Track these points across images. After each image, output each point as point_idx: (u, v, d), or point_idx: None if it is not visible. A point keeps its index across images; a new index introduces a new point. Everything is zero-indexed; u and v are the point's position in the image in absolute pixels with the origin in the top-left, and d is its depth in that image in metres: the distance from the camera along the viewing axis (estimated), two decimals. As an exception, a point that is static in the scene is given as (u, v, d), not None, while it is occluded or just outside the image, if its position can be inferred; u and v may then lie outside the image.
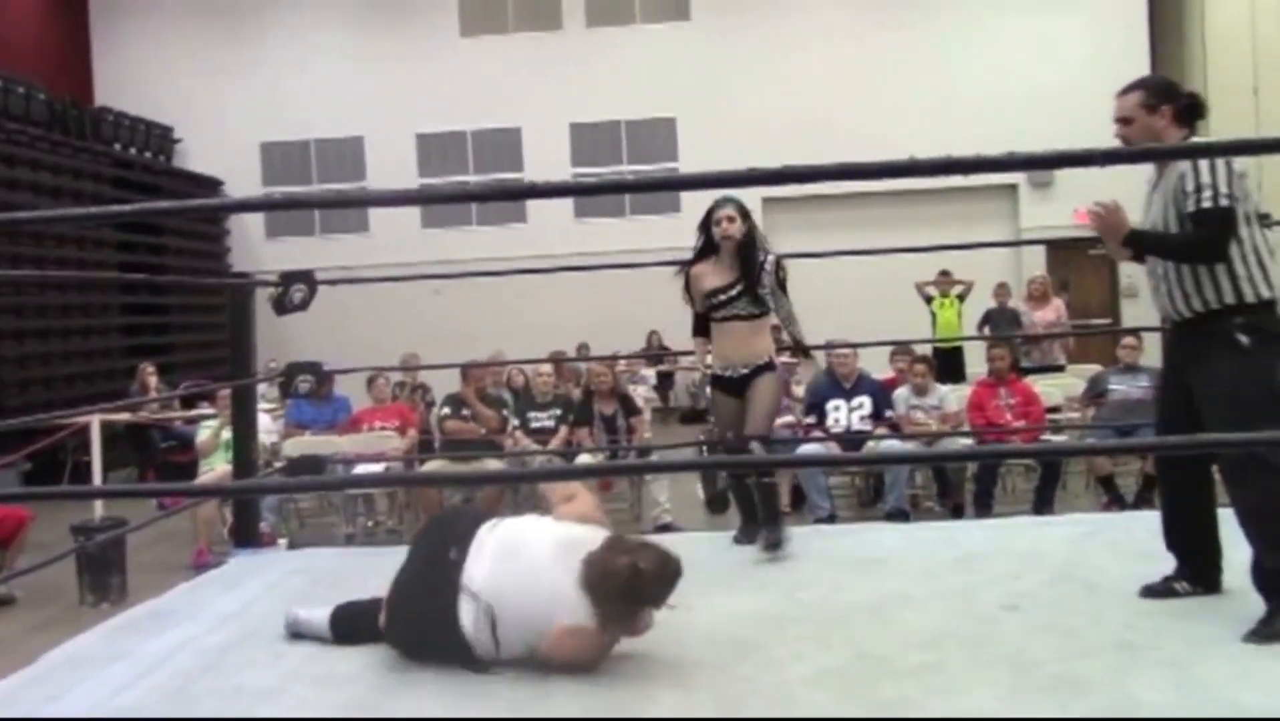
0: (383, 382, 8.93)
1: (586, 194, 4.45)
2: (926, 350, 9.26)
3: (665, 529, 7.57)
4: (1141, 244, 3.60)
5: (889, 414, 8.07)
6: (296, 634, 3.80)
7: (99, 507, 7.18)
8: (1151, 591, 3.84)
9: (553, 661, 3.35)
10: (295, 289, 5.03)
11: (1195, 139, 3.70)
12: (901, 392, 8.27)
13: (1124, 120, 3.67)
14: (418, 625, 3.47)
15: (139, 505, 8.01)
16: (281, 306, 5.06)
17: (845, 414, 8.04)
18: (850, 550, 4.87)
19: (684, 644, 3.72)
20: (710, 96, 17.13)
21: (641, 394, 10.45)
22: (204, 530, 7.76)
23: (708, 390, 5.47)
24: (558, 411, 8.42)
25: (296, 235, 17.47)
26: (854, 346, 8.21)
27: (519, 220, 16.72)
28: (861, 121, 16.49)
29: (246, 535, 5.45)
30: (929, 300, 12.70)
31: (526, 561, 3.42)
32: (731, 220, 4.95)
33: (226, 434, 7.64)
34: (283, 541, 7.35)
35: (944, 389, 8.44)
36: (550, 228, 16.03)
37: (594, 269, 9.95)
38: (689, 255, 5.14)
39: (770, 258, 5.02)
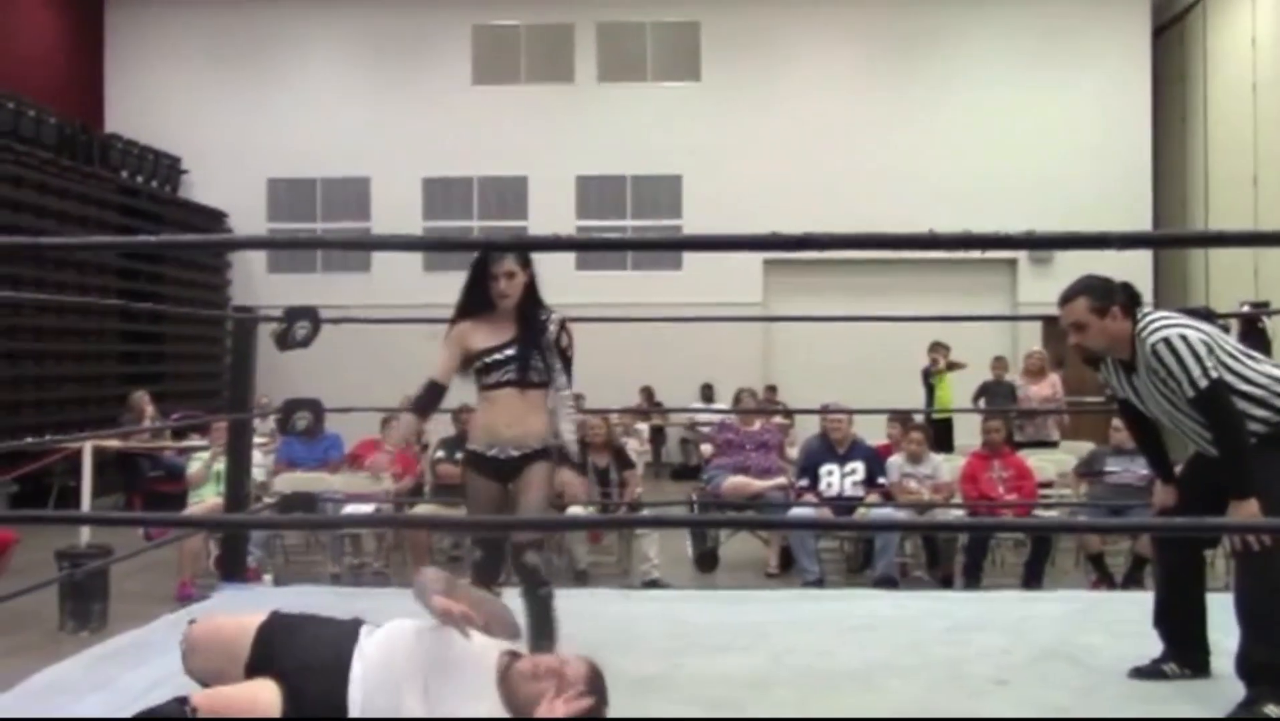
0: (396, 424, 8.97)
1: (593, 249, 4.41)
2: (922, 419, 9.26)
3: (653, 584, 7.54)
4: (1247, 487, 3.45)
5: (882, 480, 8.06)
6: None
7: (85, 534, 7.13)
8: (1140, 673, 3.83)
9: None
10: (299, 325, 5.05)
11: (1141, 324, 3.64)
12: (895, 460, 8.27)
13: (1078, 326, 3.70)
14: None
15: (125, 533, 7.96)
16: (284, 342, 5.08)
17: (838, 478, 8.03)
18: (839, 616, 4.86)
19: (669, 701, 3.71)
20: (716, 156, 17.26)
21: (634, 447, 10.43)
22: (189, 562, 7.71)
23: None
24: (551, 461, 8.39)
25: (298, 271, 17.50)
26: (848, 412, 8.23)
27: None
28: (865, 187, 16.64)
29: (233, 569, 5.43)
30: (929, 375, 12.71)
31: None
32: (511, 276, 4.03)
33: (217, 466, 7.63)
34: (268, 577, 7.30)
35: (938, 458, 8.44)
36: (553, 277, 15.91)
37: (590, 320, 9.95)
38: (688, 311, 4.81)
39: (554, 317, 4.14)
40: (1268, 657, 3.41)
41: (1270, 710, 3.35)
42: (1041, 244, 1.59)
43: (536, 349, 4.04)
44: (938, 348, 12.68)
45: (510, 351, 4.02)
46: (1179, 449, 3.91)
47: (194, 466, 8.21)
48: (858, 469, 8.07)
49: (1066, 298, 3.71)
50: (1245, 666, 3.48)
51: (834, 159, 17.12)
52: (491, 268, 4.02)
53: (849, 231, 2.01)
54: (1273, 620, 3.41)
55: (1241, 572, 3.51)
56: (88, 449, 7.28)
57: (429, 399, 4.09)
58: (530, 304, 4.10)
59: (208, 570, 7.62)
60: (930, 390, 12.68)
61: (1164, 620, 3.89)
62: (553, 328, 4.09)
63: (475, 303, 4.10)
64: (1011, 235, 1.55)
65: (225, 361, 16.97)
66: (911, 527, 7.24)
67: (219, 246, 17.25)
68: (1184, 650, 3.84)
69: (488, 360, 4.04)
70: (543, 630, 3.95)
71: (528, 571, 3.94)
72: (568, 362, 4.13)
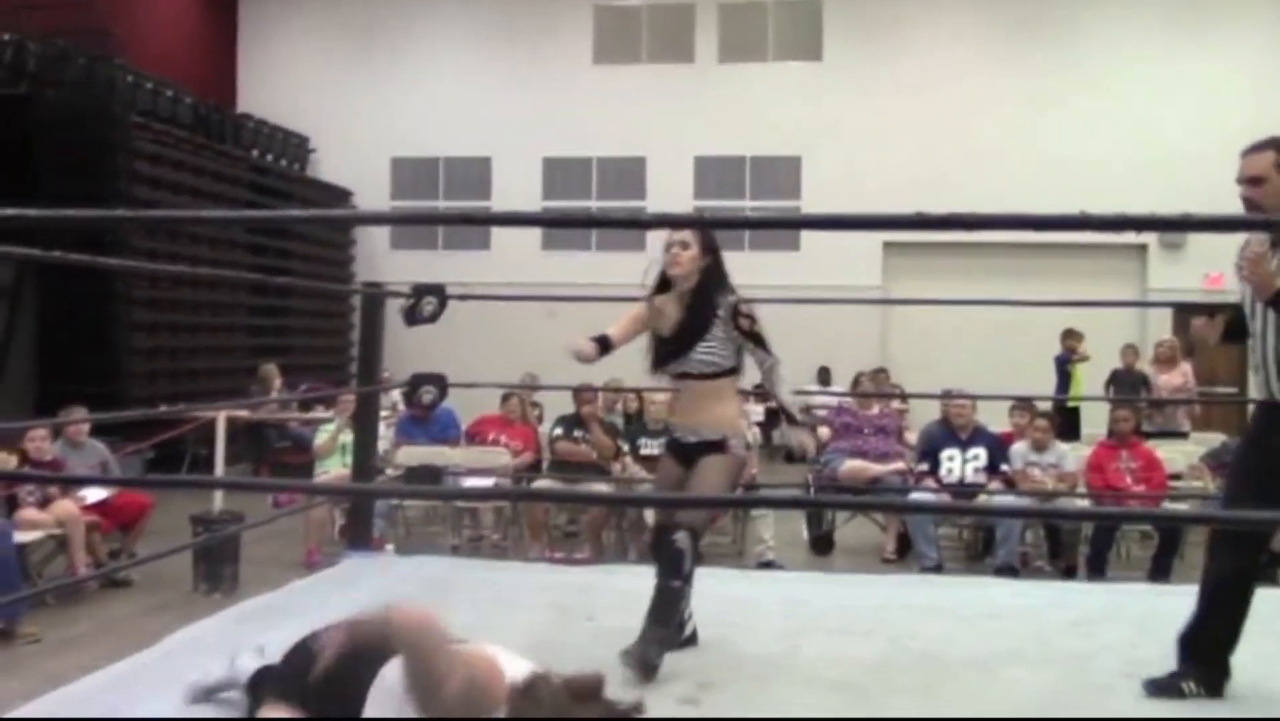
0: (517, 401, 9.15)
1: (704, 226, 4.30)
2: (1047, 406, 9.06)
3: (768, 565, 7.52)
4: None
5: (1004, 467, 7.91)
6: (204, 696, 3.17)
7: (218, 500, 7.39)
8: (1157, 688, 3.59)
9: None
10: (426, 301, 5.13)
11: None
12: (1019, 447, 8.11)
13: (1254, 180, 3.40)
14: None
15: (254, 500, 8.22)
16: (412, 317, 5.17)
17: (959, 464, 7.92)
18: (960, 603, 4.78)
19: (790, 683, 3.70)
20: (837, 137, 17.06)
21: (747, 429, 10.41)
22: (315, 531, 7.93)
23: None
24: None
25: (420, 249, 17.80)
26: (973, 397, 8.09)
27: (639, 248, 16.83)
28: (989, 169, 16.30)
29: (359, 538, 5.55)
30: (1066, 361, 12.42)
31: None
32: (685, 246, 3.90)
33: (343, 437, 7.82)
34: (390, 547, 7.46)
35: (1064, 446, 8.26)
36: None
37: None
38: (806, 293, 4.46)
39: (729, 300, 3.91)
40: (1206, 638, 3.51)
41: (1187, 687, 3.49)
42: (1196, 226, 1.53)
43: (701, 340, 3.86)
44: (1072, 334, 12.41)
45: (673, 346, 3.93)
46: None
47: (321, 437, 8.42)
48: (980, 455, 7.95)
49: (1254, 148, 3.42)
50: (1185, 639, 3.57)
51: (957, 140, 16.78)
52: (666, 238, 3.95)
53: (977, 212, 1.97)
54: (1225, 604, 3.47)
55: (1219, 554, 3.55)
56: (221, 418, 7.52)
57: (601, 345, 3.96)
58: (708, 289, 3.91)
59: (333, 539, 7.83)
60: (1065, 377, 12.41)
61: (1193, 636, 3.63)
62: (724, 312, 3.87)
63: (666, 282, 4.01)
64: (1168, 217, 1.50)
65: (349, 336, 17.42)
66: (1035, 514, 7.10)
67: (345, 222, 17.63)
68: (1205, 667, 3.59)
69: (659, 352, 4.00)
70: (659, 622, 3.74)
71: (671, 551, 3.78)
72: (759, 340, 3.92)
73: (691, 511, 3.86)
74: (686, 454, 3.97)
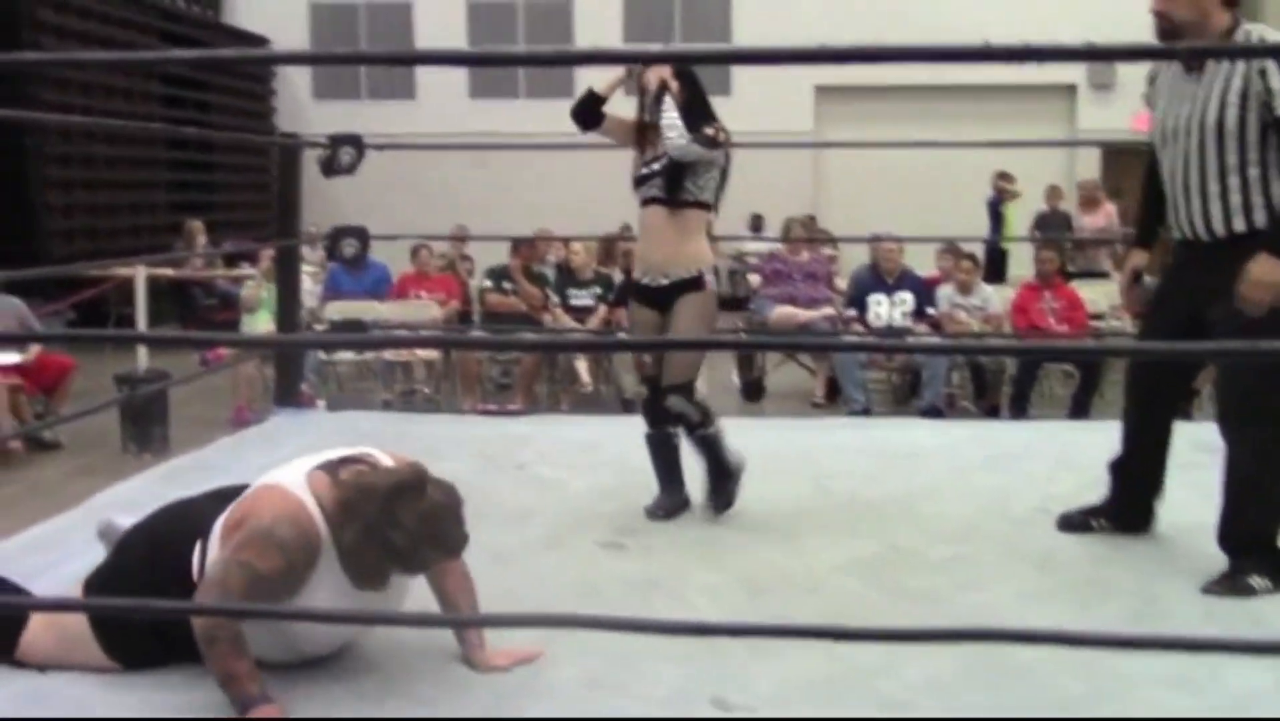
0: (426, 254, 8.93)
1: (632, 62, 4.20)
2: (973, 249, 9.13)
3: (699, 413, 7.60)
4: None
5: (931, 311, 8.01)
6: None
7: (143, 359, 7.28)
8: (1070, 524, 3.63)
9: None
10: (344, 151, 5.01)
11: (1245, 25, 3.21)
12: (945, 290, 8.20)
13: None
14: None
15: (182, 359, 8.13)
16: (329, 169, 5.04)
17: (887, 308, 8.00)
18: (883, 443, 4.89)
19: (714, 524, 3.78)
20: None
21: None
22: (244, 388, 7.87)
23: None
24: (598, 290, 8.42)
25: (343, 99, 17.34)
26: (899, 240, 8.13)
27: (566, 95, 16.49)
28: (931, 9, 16.05)
29: (287, 394, 5.52)
30: (999, 202, 12.47)
31: None
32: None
33: (267, 292, 7.71)
34: (321, 403, 7.43)
35: (989, 289, 8.37)
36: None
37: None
38: (737, 139, 4.05)
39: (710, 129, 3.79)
40: (1253, 527, 3.18)
41: (1255, 581, 3.10)
42: (1102, 56, 1.52)
43: (687, 166, 3.73)
44: (1004, 177, 12.45)
45: (657, 166, 3.79)
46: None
47: (247, 289, 8.29)
48: (907, 299, 8.03)
49: None
50: (1229, 536, 3.21)
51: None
52: (640, 81, 3.87)
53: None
54: (1260, 487, 3.15)
55: (1230, 439, 3.20)
56: (141, 274, 7.37)
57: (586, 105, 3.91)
58: (693, 116, 3.77)
59: (261, 396, 7.78)
60: (998, 220, 12.50)
61: (1120, 467, 3.60)
62: (709, 131, 3.75)
63: (639, 110, 3.92)
64: (1071, 46, 1.48)
65: (273, 191, 17.05)
66: (956, 350, 7.21)
67: (265, 61, 17.05)
68: (1124, 507, 3.59)
69: (640, 173, 3.87)
70: (714, 465, 3.82)
71: (677, 418, 3.80)
72: (690, 118, 3.76)
73: (677, 368, 3.78)
74: (660, 299, 3.84)
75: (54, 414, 7.32)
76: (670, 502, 3.87)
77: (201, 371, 7.24)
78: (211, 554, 2.51)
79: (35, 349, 7.37)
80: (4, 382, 6.84)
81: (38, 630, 2.59)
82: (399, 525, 2.38)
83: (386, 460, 2.60)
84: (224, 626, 2.34)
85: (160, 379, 6.89)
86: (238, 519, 2.47)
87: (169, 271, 10.96)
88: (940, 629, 1.75)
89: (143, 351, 7.29)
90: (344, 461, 2.55)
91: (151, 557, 2.62)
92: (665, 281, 3.81)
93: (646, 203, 3.83)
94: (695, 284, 3.80)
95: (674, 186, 3.75)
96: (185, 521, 2.67)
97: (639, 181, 3.87)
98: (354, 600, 2.47)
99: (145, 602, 2.45)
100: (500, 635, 2.69)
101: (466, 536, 2.52)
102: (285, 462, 2.65)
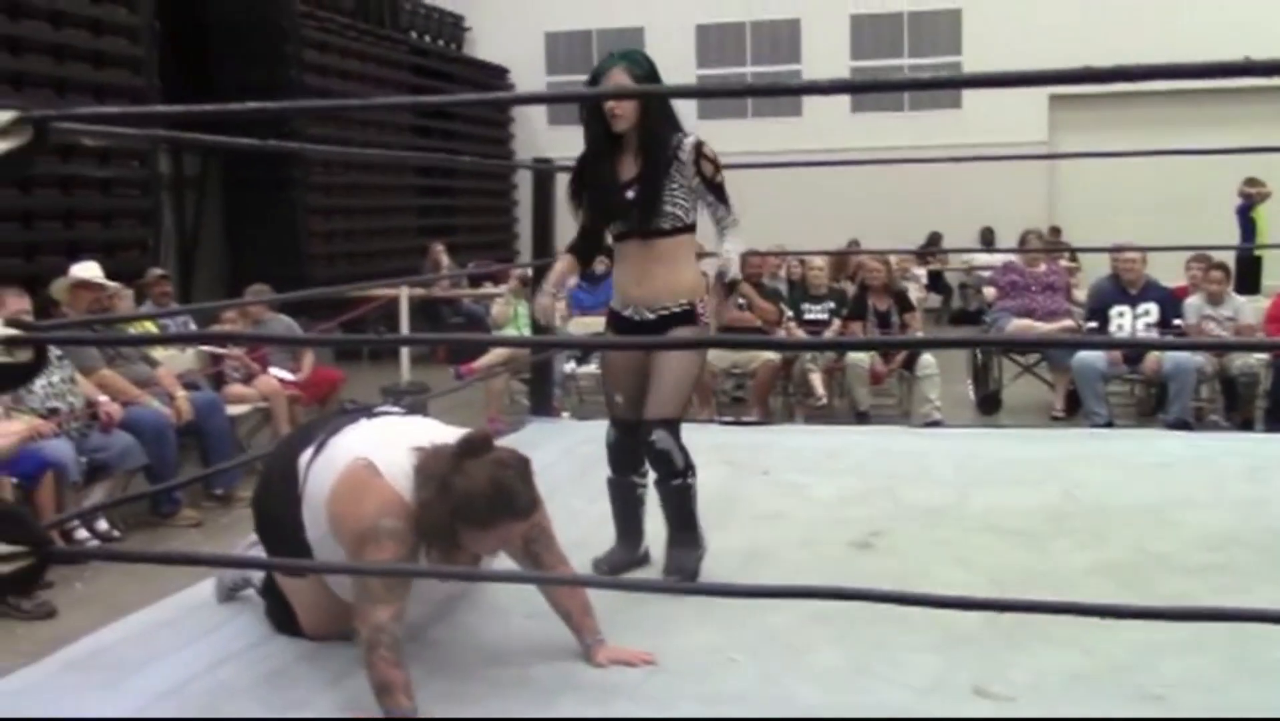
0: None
1: (861, 91, 4.29)
2: (1224, 258, 8.77)
3: (934, 425, 7.60)
4: None
5: (1177, 322, 7.78)
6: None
7: (405, 372, 7.80)
8: None
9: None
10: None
11: None
12: (1193, 301, 7.94)
13: None
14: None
15: (437, 373, 8.65)
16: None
17: (1130, 320, 7.81)
18: (1132, 454, 4.83)
19: (961, 528, 3.85)
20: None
21: (914, 292, 10.40)
22: (495, 400, 8.32)
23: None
24: (831, 304, 8.53)
25: (575, 125, 17.93)
26: (1142, 250, 7.93)
27: (795, 114, 16.68)
28: (1160, 16, 15.50)
29: (541, 404, 5.86)
30: (1249, 206, 11.92)
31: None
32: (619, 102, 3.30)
33: (519, 307, 8.14)
34: (566, 414, 7.79)
35: (1241, 299, 8.06)
36: (827, 122, 15.90)
37: (866, 164, 9.89)
38: (968, 152, 3.66)
39: (689, 141, 3.33)
40: None
41: None
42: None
43: (664, 188, 3.28)
44: (1253, 182, 11.89)
45: (630, 194, 3.31)
46: None
47: (497, 306, 8.75)
48: (1151, 310, 7.82)
49: None
50: None
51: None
52: (601, 82, 3.37)
53: (1149, 63, 1.99)
54: None
55: None
56: (404, 294, 7.90)
57: (580, 241, 3.56)
58: (656, 129, 3.31)
59: (507, 407, 8.20)
60: (1249, 228, 11.94)
61: None
62: (685, 155, 3.30)
63: (597, 135, 3.38)
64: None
65: (512, 214, 17.80)
66: (1212, 346, 6.97)
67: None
68: None
69: (607, 205, 3.38)
70: (680, 526, 3.36)
71: (656, 456, 3.31)
72: (719, 191, 3.36)
73: (666, 399, 3.29)
74: (643, 332, 3.38)
75: (325, 423, 7.90)
76: (624, 557, 3.50)
77: (456, 386, 7.68)
78: (313, 483, 2.71)
79: (309, 364, 7.99)
80: (284, 394, 7.46)
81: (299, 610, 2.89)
82: (466, 474, 2.45)
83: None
84: (385, 630, 2.43)
85: (421, 391, 7.39)
86: (341, 511, 2.59)
87: (420, 291, 11.64)
88: (1203, 607, 1.82)
89: (405, 366, 7.81)
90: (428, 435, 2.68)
91: (270, 476, 2.92)
92: (651, 316, 3.38)
93: (624, 236, 3.39)
94: (689, 316, 3.35)
95: (649, 219, 3.32)
96: (300, 433, 3.00)
97: (608, 214, 3.42)
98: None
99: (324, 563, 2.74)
100: (621, 636, 2.82)
101: (536, 500, 2.56)
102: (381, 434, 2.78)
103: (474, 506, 2.45)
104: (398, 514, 2.51)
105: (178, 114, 2.98)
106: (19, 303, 5.41)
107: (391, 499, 2.53)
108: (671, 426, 3.31)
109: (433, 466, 2.51)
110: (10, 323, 2.03)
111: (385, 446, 2.66)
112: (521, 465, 2.53)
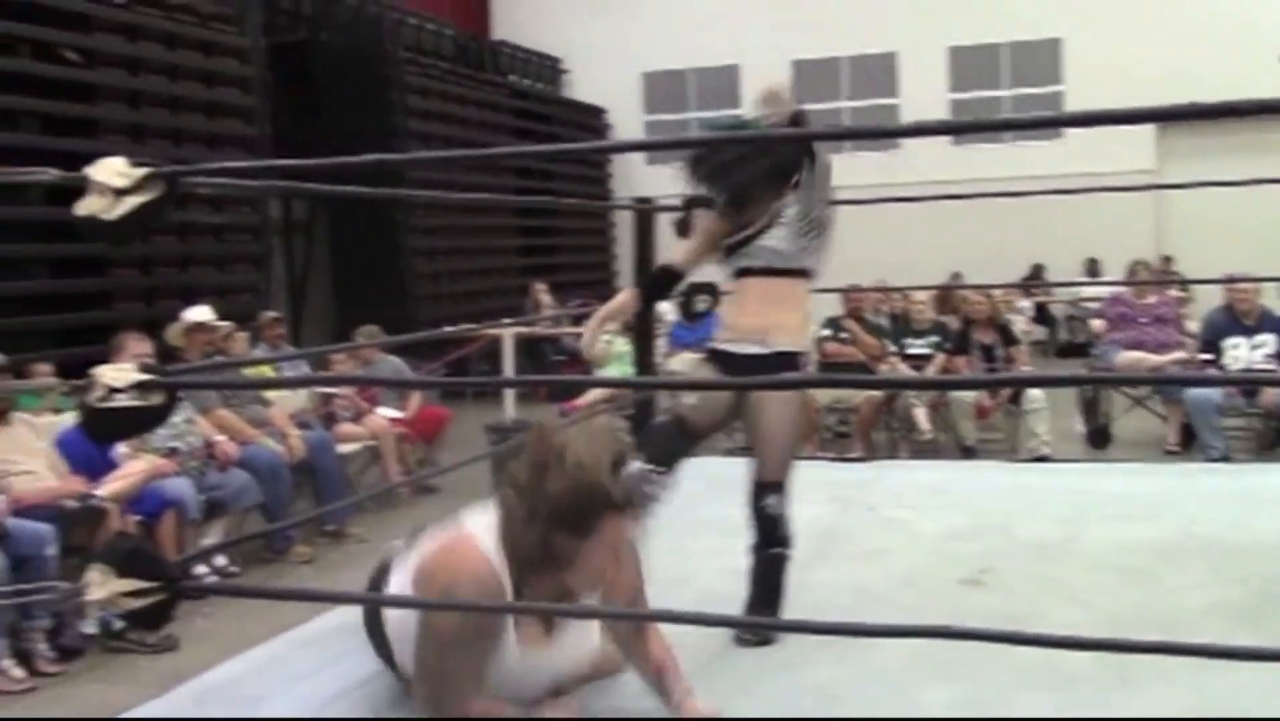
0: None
1: (957, 132, 4.26)
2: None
3: (1042, 460, 7.49)
4: None
5: (1296, 354, 7.57)
6: None
7: (509, 410, 7.92)
8: None
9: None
10: (697, 213, 5.34)
11: None
12: (1313, 331, 7.72)
13: None
14: None
15: (542, 411, 8.73)
16: (684, 229, 5.38)
17: (1245, 351, 7.61)
18: (1253, 489, 4.70)
19: (1073, 565, 3.78)
20: (1100, 13, 16.20)
21: (1019, 325, 10.26)
22: (597, 436, 8.38)
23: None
24: (935, 339, 8.46)
25: (670, 163, 18.05)
26: (1256, 280, 7.73)
27: (892, 147, 16.60)
28: (1273, 36, 15.13)
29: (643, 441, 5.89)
30: None
31: None
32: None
33: (619, 346, 8.21)
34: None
35: (1363, 328, 7.81)
36: (926, 154, 15.79)
37: (968, 196, 9.81)
38: (1071, 183, 3.37)
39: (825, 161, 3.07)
40: None
41: None
42: None
43: (774, 224, 3.14)
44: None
45: (759, 225, 3.16)
46: None
47: (597, 345, 8.83)
48: (1268, 341, 7.62)
49: None
50: None
51: (1233, 10, 15.63)
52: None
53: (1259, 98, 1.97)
54: None
55: None
56: (507, 335, 8.03)
57: (655, 282, 3.52)
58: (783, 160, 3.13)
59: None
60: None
61: None
62: (820, 168, 3.06)
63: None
64: None
65: (610, 251, 17.96)
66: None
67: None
68: None
69: (734, 239, 3.22)
70: (765, 597, 3.11)
71: (765, 521, 3.15)
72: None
73: (776, 465, 3.11)
74: (744, 368, 3.13)
75: (432, 460, 8.06)
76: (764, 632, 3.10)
77: (562, 422, 7.80)
78: (401, 571, 2.53)
79: (416, 403, 8.15)
80: (392, 432, 7.62)
81: None
82: (553, 466, 2.19)
83: None
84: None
85: (526, 428, 7.47)
86: (429, 569, 2.39)
87: (523, 330, 11.80)
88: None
89: (509, 403, 7.93)
90: None
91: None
92: (757, 350, 3.13)
93: (743, 273, 3.22)
94: (792, 361, 3.14)
95: (775, 257, 3.16)
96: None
97: (734, 249, 3.24)
98: (529, 659, 2.35)
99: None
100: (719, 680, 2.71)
101: (630, 486, 2.28)
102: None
103: (572, 506, 2.18)
104: (478, 584, 2.25)
105: (298, 167, 3.11)
106: (140, 346, 5.63)
107: (476, 566, 2.29)
108: (783, 491, 3.13)
109: (510, 497, 2.29)
110: (143, 367, 2.12)
111: (482, 513, 2.46)
112: (614, 451, 2.21)
